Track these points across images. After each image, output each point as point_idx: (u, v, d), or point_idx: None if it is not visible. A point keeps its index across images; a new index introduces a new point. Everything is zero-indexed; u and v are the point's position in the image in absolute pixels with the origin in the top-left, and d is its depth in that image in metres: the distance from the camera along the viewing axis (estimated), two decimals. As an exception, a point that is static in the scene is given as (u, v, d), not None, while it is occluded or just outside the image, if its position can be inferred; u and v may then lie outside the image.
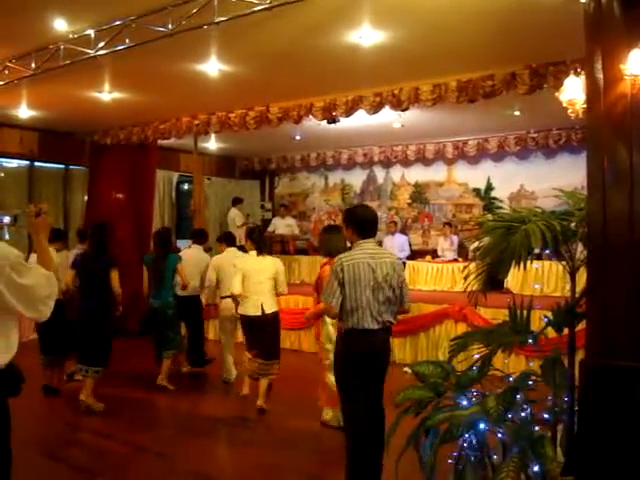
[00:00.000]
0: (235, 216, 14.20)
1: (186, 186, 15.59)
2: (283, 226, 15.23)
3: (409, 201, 15.02)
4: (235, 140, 13.65)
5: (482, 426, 3.42)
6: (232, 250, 8.23)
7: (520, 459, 3.02)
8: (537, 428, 3.34)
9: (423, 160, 14.21)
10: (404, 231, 14.56)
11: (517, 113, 9.63)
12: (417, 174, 14.76)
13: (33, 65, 7.20)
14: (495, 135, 12.51)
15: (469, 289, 4.10)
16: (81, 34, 6.54)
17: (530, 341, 3.58)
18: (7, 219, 2.94)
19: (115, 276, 6.92)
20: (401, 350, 9.28)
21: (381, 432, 4.49)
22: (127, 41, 6.21)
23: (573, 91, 5.22)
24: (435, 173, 14.47)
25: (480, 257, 3.64)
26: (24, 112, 10.74)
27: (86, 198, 13.34)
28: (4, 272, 2.49)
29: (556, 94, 5.48)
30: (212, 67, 7.93)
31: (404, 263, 13.01)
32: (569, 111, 5.24)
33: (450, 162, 14.06)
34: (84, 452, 5.60)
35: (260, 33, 6.76)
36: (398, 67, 7.90)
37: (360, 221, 4.71)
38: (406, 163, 14.65)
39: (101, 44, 6.46)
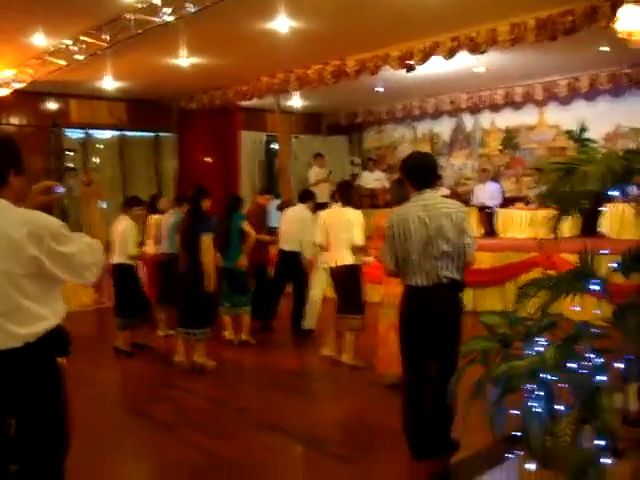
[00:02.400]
0: (311, 173, 14.12)
1: (275, 145, 15.67)
2: (372, 180, 15.12)
3: (500, 147, 14.51)
4: (319, 96, 13.56)
5: (546, 376, 3.32)
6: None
7: (579, 411, 2.92)
8: (604, 378, 3.20)
9: (512, 104, 13.64)
10: (496, 179, 14.14)
11: (607, 49, 9.07)
12: (507, 119, 14.21)
13: (106, 37, 7.37)
14: (586, 73, 11.80)
15: (540, 236, 3.98)
16: (148, 3, 6.64)
17: (596, 287, 3.42)
18: (61, 189, 3.04)
19: (206, 240, 6.79)
20: (489, 300, 9.12)
21: (443, 407, 4.13)
22: (190, 6, 6.23)
23: (630, 21, 4.83)
24: (525, 117, 13.87)
25: (539, 202, 3.48)
26: (109, 84, 11.05)
27: (177, 164, 13.70)
28: (44, 241, 2.58)
29: (610, 24, 5.11)
30: (282, 24, 7.87)
31: (492, 213, 12.73)
32: (630, 43, 4.88)
33: (540, 104, 13.43)
34: (167, 408, 5.83)
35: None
36: (474, 8, 7.60)
37: (412, 171, 4.38)
38: (495, 108, 14.12)
39: (167, 10, 6.52)
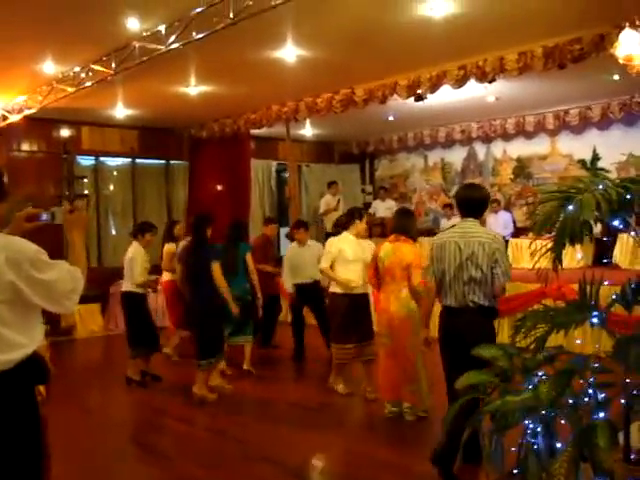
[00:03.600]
0: (323, 202, 14.02)
1: (286, 174, 15.67)
2: (383, 209, 15.03)
3: (512, 177, 14.43)
4: (330, 125, 13.60)
5: (545, 412, 3.20)
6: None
7: (575, 449, 2.80)
8: (602, 415, 3.08)
9: (524, 133, 13.58)
10: (508, 208, 14.05)
11: (616, 77, 9.00)
12: (519, 148, 14.15)
13: (113, 65, 7.41)
14: (598, 102, 11.72)
15: (537, 266, 3.88)
16: (153, 30, 6.67)
17: (595, 321, 3.31)
18: (45, 217, 3.01)
19: (216, 269, 6.78)
20: (499, 330, 8.96)
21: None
22: (194, 34, 6.24)
23: (630, 46, 4.77)
24: (537, 146, 13.80)
25: (535, 232, 3.39)
26: (120, 112, 11.18)
27: (187, 191, 13.72)
28: (23, 268, 2.53)
29: (611, 50, 5.04)
30: (289, 53, 7.91)
31: (507, 241, 12.62)
32: (628, 68, 4.81)
33: (552, 134, 13.37)
34: (165, 438, 5.75)
35: (331, 14, 6.67)
36: (481, 37, 7.58)
37: (458, 200, 4.81)
38: (506, 137, 14.07)
39: (172, 38, 6.53)
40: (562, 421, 3.26)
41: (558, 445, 3.34)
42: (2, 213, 2.73)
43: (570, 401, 3.12)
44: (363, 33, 7.36)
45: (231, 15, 5.76)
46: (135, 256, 7.57)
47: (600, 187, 3.21)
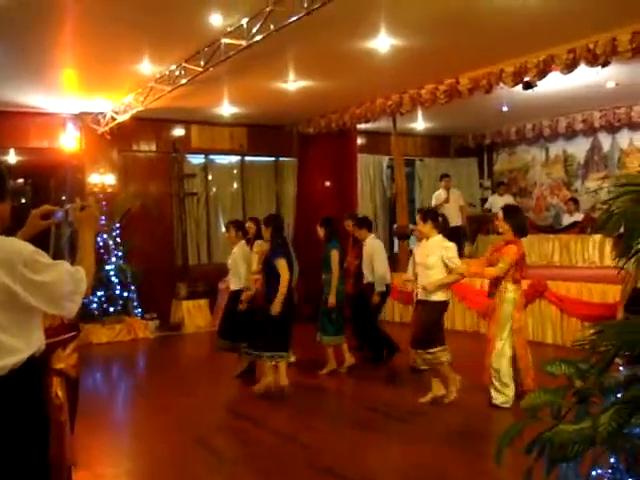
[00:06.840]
0: (434, 195, 13.36)
1: (399, 169, 15.30)
2: (501, 204, 14.31)
3: (641, 169, 13.35)
4: (444, 118, 13.14)
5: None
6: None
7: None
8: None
9: (653, 121, 12.53)
10: (637, 202, 12.97)
11: None
12: (648, 138, 13.07)
13: (202, 63, 7.38)
14: None
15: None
16: (236, 26, 6.55)
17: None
18: (60, 214, 2.91)
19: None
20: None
21: None
22: (271, 27, 6.05)
23: None
24: (669, 135, 12.71)
25: (609, 231, 2.92)
26: (227, 110, 11.26)
27: (296, 188, 13.69)
28: (17, 270, 2.40)
29: None
30: (383, 43, 7.62)
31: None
32: None
33: (685, 121, 12.27)
34: (232, 440, 5.61)
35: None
36: (592, 17, 6.95)
37: None
38: (633, 126, 12.97)
39: (253, 31, 6.38)
40: None
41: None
42: (3, 212, 2.63)
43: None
44: (461, 19, 6.96)
45: (305, 5, 5.52)
46: None
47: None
